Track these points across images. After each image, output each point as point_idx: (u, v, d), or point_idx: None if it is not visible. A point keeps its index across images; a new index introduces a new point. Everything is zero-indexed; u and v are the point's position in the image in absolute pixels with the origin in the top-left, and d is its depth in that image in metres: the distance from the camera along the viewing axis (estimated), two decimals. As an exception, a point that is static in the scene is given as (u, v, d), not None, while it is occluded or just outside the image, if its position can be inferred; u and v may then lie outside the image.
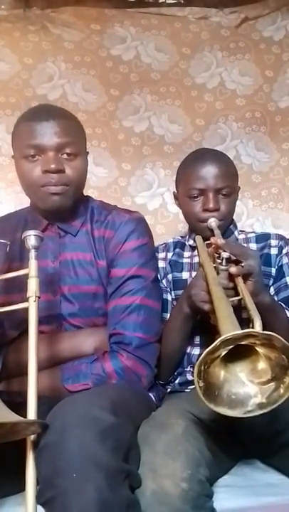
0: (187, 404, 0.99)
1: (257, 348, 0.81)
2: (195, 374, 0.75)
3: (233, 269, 1.02)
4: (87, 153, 1.18)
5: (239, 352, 0.81)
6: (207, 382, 0.78)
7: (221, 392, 0.80)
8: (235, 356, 0.82)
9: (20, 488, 0.76)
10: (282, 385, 0.79)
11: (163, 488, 0.77)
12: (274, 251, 1.29)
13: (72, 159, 1.09)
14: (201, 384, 0.76)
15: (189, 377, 1.21)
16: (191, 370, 1.22)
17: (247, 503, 0.87)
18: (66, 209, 1.13)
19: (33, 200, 1.15)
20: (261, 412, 0.80)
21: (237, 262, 1.04)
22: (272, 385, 0.80)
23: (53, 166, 1.05)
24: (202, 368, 0.76)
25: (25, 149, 1.07)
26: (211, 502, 0.83)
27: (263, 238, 1.32)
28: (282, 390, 0.79)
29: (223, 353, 0.79)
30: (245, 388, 0.82)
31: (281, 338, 0.76)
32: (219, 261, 1.05)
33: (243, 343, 0.79)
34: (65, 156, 1.08)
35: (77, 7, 1.87)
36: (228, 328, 0.79)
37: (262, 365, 0.82)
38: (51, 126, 1.06)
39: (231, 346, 0.78)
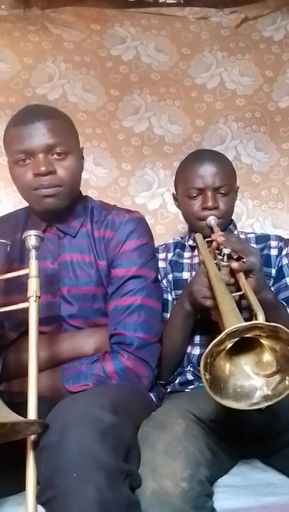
0: (187, 404, 0.99)
1: (262, 341, 0.81)
2: (201, 366, 0.75)
3: (235, 265, 1.02)
4: (82, 149, 1.16)
5: (243, 345, 0.81)
6: (213, 375, 0.78)
7: (226, 385, 0.80)
8: (240, 349, 0.82)
9: (21, 488, 0.76)
10: (287, 377, 0.79)
11: (163, 488, 0.77)
12: (274, 252, 1.29)
13: (63, 159, 1.07)
14: (208, 376, 0.76)
15: (189, 377, 1.21)
16: (191, 369, 1.22)
17: (247, 503, 0.87)
18: (63, 210, 1.12)
19: (29, 203, 1.14)
20: (267, 404, 0.80)
21: (238, 259, 1.05)
22: (277, 376, 0.80)
23: (42, 168, 1.03)
24: (208, 360, 0.76)
25: (15, 154, 1.06)
26: (211, 502, 0.83)
27: (263, 239, 1.32)
28: (287, 382, 0.79)
29: (229, 346, 0.79)
30: (251, 381, 0.82)
31: (287, 330, 0.76)
32: (220, 257, 1.05)
33: (248, 335, 0.79)
34: (55, 156, 1.06)
35: (77, 7, 1.87)
36: (233, 320, 0.79)
37: (267, 357, 0.82)
38: (38, 128, 1.04)
39: (237, 339, 0.78)
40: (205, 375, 0.76)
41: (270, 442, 1.00)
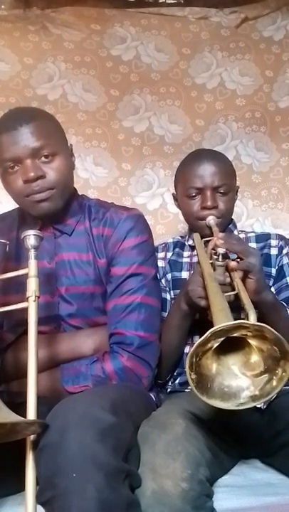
0: (187, 404, 0.99)
1: (249, 340, 0.81)
2: (186, 366, 0.75)
3: (232, 264, 1.02)
4: (71, 146, 1.15)
5: (232, 345, 0.82)
6: (199, 374, 0.78)
7: (213, 385, 0.80)
8: (229, 349, 0.82)
9: (21, 488, 0.76)
10: (274, 377, 0.79)
11: (163, 488, 0.77)
12: (274, 251, 1.29)
13: (52, 160, 1.06)
14: (193, 376, 0.76)
15: (189, 377, 1.21)
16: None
17: (247, 503, 0.87)
18: (58, 211, 1.11)
19: (24, 209, 1.13)
20: (254, 404, 0.80)
21: (239, 259, 1.05)
22: (265, 377, 0.80)
23: (31, 174, 1.02)
24: (194, 360, 0.76)
25: (3, 163, 1.04)
26: (211, 502, 0.83)
27: (263, 238, 1.32)
28: (274, 382, 0.79)
29: (215, 345, 0.79)
30: (238, 381, 0.82)
31: (272, 329, 0.76)
32: (216, 257, 1.05)
33: (234, 335, 0.79)
34: (43, 159, 1.05)
35: (77, 7, 1.87)
36: (222, 320, 0.79)
37: (254, 357, 0.82)
38: (21, 134, 1.02)
39: (222, 338, 0.78)
40: (190, 374, 0.76)
41: (270, 442, 1.00)
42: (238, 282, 1.01)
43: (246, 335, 0.80)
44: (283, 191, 1.89)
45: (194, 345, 0.75)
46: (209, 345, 0.78)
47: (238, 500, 0.87)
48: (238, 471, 1.00)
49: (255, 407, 0.85)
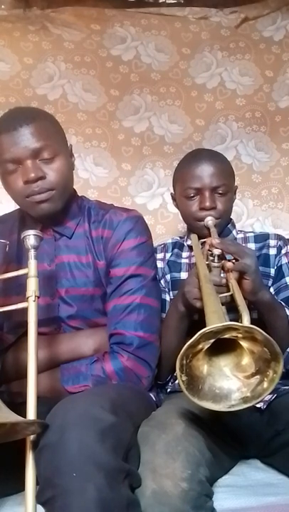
0: (187, 404, 0.98)
1: (240, 342, 0.81)
2: (177, 368, 0.75)
3: (228, 265, 1.03)
4: (70, 146, 1.15)
5: (224, 346, 0.82)
6: (190, 376, 0.78)
7: (204, 386, 0.80)
8: (221, 350, 0.82)
9: (21, 488, 0.76)
10: (265, 379, 0.79)
11: (163, 488, 0.77)
12: (273, 251, 1.29)
13: (52, 161, 1.05)
14: (184, 378, 0.77)
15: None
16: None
17: (247, 503, 0.87)
18: (58, 212, 1.11)
19: (24, 209, 1.13)
20: (245, 406, 0.80)
21: (235, 260, 1.05)
22: (256, 378, 0.80)
23: (32, 175, 1.02)
24: (184, 361, 0.76)
25: (3, 164, 1.04)
26: (211, 502, 0.83)
27: (262, 238, 1.32)
28: (266, 384, 0.79)
29: (206, 347, 0.79)
30: (229, 382, 0.82)
31: (262, 331, 0.75)
32: (212, 258, 1.05)
33: (224, 336, 0.79)
34: (43, 159, 1.05)
35: (77, 7, 1.87)
36: (213, 322, 0.79)
37: (246, 359, 0.82)
38: (22, 134, 1.02)
39: (213, 340, 0.78)
40: (181, 376, 0.76)
41: (270, 442, 1.00)
42: (233, 283, 1.01)
43: (237, 337, 0.80)
44: (283, 191, 1.89)
45: (184, 347, 0.75)
46: (200, 346, 0.78)
47: (238, 500, 0.87)
48: (238, 471, 1.00)
49: (254, 406, 0.85)
